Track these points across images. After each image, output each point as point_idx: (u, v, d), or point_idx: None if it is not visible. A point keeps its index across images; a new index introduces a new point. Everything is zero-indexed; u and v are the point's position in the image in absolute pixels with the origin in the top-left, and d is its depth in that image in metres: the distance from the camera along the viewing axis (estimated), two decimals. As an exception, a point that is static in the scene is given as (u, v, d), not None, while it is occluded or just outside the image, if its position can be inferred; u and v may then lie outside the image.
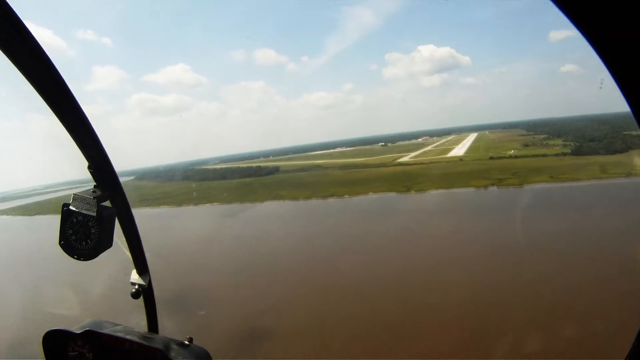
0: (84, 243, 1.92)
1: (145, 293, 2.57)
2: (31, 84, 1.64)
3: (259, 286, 32.95)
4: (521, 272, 29.17)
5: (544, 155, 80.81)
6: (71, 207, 1.93)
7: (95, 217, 1.91)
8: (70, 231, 1.94)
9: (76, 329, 2.29)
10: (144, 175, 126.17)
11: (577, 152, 77.40)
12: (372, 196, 71.69)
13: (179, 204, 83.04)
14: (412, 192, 70.29)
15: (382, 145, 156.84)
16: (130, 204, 2.37)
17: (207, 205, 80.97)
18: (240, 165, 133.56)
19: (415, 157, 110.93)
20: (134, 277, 2.53)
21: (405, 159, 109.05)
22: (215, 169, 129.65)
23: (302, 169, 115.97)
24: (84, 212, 1.91)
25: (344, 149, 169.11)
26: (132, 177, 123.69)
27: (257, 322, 26.45)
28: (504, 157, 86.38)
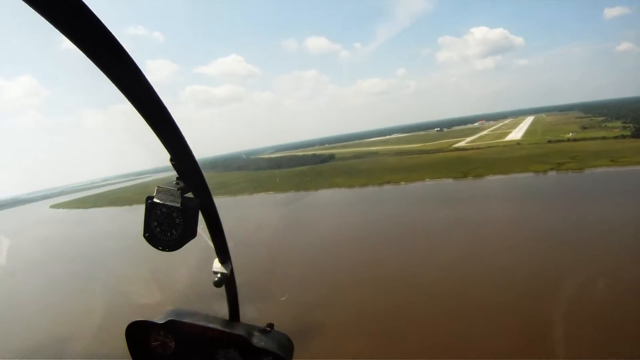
0: (168, 234, 1.94)
1: (227, 281, 2.56)
2: (116, 84, 1.55)
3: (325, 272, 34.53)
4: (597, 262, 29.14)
5: (603, 138, 79.87)
6: (155, 200, 1.95)
7: (180, 208, 1.93)
8: (155, 223, 1.95)
9: (158, 319, 2.37)
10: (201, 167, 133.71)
11: (637, 134, 76.03)
12: (428, 183, 71.95)
13: (234, 193, 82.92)
14: (469, 178, 70.26)
15: (437, 131, 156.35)
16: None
17: (262, 194, 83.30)
18: (296, 154, 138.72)
19: (472, 141, 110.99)
20: (216, 265, 2.53)
21: (462, 144, 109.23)
22: (270, 158, 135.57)
23: (357, 156, 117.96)
24: (168, 203, 1.93)
25: (399, 135, 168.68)
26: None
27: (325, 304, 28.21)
28: (562, 141, 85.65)
